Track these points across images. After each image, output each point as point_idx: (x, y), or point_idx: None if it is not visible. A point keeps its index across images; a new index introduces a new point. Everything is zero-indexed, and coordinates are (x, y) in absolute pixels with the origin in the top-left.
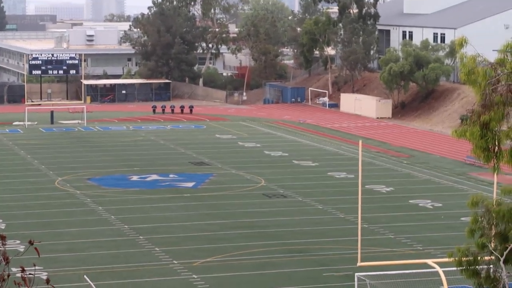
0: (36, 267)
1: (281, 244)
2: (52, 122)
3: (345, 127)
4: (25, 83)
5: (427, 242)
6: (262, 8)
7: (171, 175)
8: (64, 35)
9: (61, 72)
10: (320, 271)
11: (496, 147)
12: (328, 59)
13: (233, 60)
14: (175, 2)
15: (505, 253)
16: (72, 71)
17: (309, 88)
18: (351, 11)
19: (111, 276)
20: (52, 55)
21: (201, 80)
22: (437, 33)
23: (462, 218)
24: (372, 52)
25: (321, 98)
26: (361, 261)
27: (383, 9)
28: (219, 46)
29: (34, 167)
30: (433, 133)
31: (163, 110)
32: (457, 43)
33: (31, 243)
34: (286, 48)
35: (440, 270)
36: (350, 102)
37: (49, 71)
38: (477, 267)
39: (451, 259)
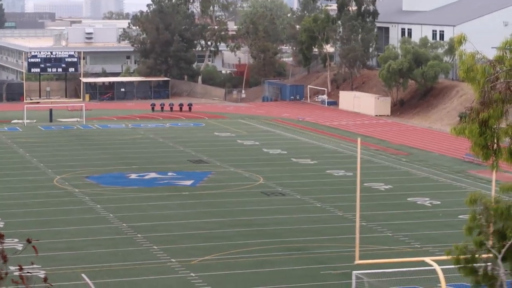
0: (34, 266)
1: (279, 242)
2: (51, 120)
3: (344, 124)
4: (24, 81)
5: (425, 240)
6: (261, 5)
7: (169, 173)
8: (63, 33)
9: (60, 70)
10: (318, 269)
11: (495, 144)
12: (327, 56)
13: (232, 58)
14: (174, 0)
15: (503, 251)
16: (71, 69)
17: (308, 86)
18: (350, 8)
19: (109, 274)
20: (51, 53)
21: (200, 78)
22: (436, 31)
23: (460, 216)
24: (371, 49)
25: (320, 96)
26: (359, 259)
27: (382, 6)
28: (218, 43)
29: (33, 165)
30: (432, 130)
31: (162, 108)
32: (456, 40)
33: (29, 241)
34: (285, 46)
35: (438, 268)
36: (349, 99)
37: (48, 69)
38: (475, 265)
39: (449, 257)
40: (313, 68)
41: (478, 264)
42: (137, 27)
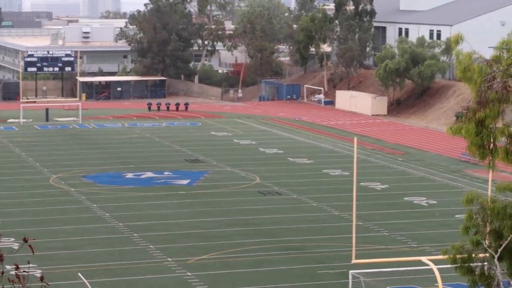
0: (30, 265)
1: (276, 242)
2: (47, 120)
3: (340, 124)
4: (21, 80)
5: (421, 239)
6: (258, 5)
7: (166, 173)
8: (60, 32)
9: (56, 69)
10: (315, 268)
11: (492, 144)
12: (324, 56)
13: (228, 57)
14: None
15: (499, 250)
16: (68, 68)
17: (305, 85)
18: (347, 8)
19: (106, 273)
20: (48, 52)
21: (196, 77)
22: (433, 30)
23: (457, 215)
24: (368, 49)
25: (316, 95)
26: (356, 258)
27: (379, 6)
28: (215, 43)
29: (29, 165)
30: (429, 130)
31: (159, 107)
32: (453, 40)
33: (25, 240)
34: (282, 45)
35: (434, 268)
36: (345, 99)
37: (44, 68)
38: (471, 264)
39: (446, 257)
40: (310, 68)
41: (475, 264)
42: (134, 26)
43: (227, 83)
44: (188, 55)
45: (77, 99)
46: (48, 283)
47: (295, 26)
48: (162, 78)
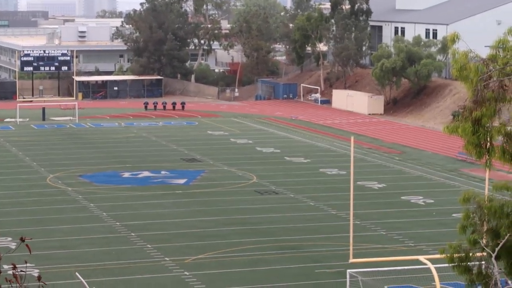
0: (28, 264)
1: (273, 241)
2: (43, 119)
3: (337, 123)
4: (17, 80)
5: (419, 238)
6: (255, 4)
7: (162, 172)
8: (56, 31)
9: (53, 68)
10: (312, 267)
11: (488, 143)
12: (320, 55)
13: (225, 56)
14: None
15: (496, 249)
16: (64, 68)
17: (301, 84)
18: (343, 7)
19: (103, 273)
20: (44, 51)
21: (193, 77)
22: (429, 29)
23: (454, 215)
24: (364, 48)
25: (313, 95)
26: (353, 257)
27: (375, 5)
28: (211, 42)
29: (26, 164)
30: (425, 129)
31: (155, 106)
32: (449, 39)
33: (22, 240)
34: (278, 44)
35: (432, 267)
36: (342, 98)
37: (41, 67)
38: (468, 263)
39: (443, 256)
40: (306, 67)
41: (472, 263)
42: (130, 25)
43: (224, 83)
44: (184, 54)
45: (74, 98)
46: (46, 283)
47: (291, 25)
48: (159, 77)
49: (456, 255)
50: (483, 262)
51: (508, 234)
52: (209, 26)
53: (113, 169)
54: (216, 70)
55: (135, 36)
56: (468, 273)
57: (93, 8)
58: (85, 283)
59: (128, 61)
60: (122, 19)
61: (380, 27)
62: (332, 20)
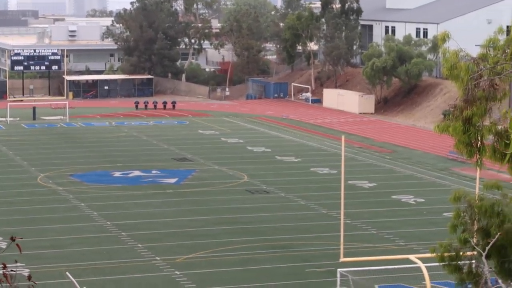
0: (18, 264)
1: (263, 240)
2: (34, 118)
3: (327, 122)
4: (7, 79)
5: (409, 237)
6: (245, 3)
7: (153, 171)
8: (46, 30)
9: (43, 67)
10: (303, 266)
11: (479, 142)
12: (311, 54)
13: (215, 56)
14: None
15: (487, 248)
16: (54, 67)
17: (292, 84)
18: (334, 6)
19: (94, 272)
20: (34, 50)
21: (183, 76)
22: (419, 28)
23: (445, 214)
24: (354, 47)
25: (304, 94)
26: (344, 256)
27: (365, 4)
28: (202, 41)
29: (17, 164)
30: (416, 128)
31: (146, 105)
32: (439, 38)
33: (13, 239)
34: (269, 44)
35: (422, 266)
36: (333, 97)
37: (31, 67)
38: (459, 262)
39: (434, 255)
40: (297, 66)
41: (463, 262)
42: (121, 25)
43: (214, 82)
44: (175, 53)
45: (64, 97)
46: (36, 282)
47: (281, 24)
48: (149, 76)
49: (446, 254)
50: (473, 261)
51: (499, 233)
52: (200, 25)
53: (104, 168)
54: (207, 69)
55: (125, 35)
56: (458, 272)
57: (83, 7)
58: (75, 283)
59: (118, 60)
60: (113, 18)
61: (371, 26)
62: (323, 19)
